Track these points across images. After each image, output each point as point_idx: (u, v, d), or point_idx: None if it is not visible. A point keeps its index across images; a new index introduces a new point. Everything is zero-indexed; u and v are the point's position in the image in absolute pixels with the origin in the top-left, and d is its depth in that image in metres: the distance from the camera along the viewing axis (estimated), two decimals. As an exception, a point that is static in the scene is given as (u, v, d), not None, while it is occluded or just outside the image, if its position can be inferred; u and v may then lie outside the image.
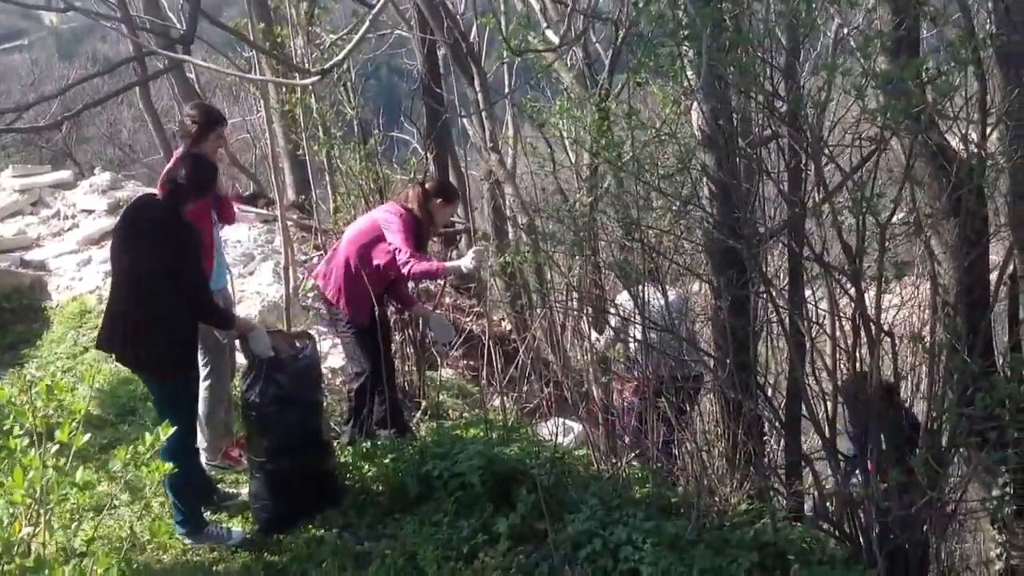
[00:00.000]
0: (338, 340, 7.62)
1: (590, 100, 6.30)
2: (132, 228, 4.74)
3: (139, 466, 2.50)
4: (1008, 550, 5.23)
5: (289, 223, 7.90)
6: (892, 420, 4.29)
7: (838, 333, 4.27)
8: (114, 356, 4.82)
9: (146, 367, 4.73)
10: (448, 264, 5.93)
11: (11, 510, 2.45)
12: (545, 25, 7.92)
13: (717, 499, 4.73)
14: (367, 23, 3.20)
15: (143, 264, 4.61)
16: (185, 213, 4.64)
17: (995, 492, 5.05)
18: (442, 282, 8.34)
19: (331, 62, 3.04)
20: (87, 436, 2.52)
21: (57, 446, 2.47)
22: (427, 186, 5.98)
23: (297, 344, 5.04)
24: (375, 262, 5.77)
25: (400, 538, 4.59)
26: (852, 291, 4.07)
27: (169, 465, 2.54)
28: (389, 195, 7.91)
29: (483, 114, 7.95)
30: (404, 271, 5.63)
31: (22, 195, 11.69)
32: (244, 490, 5.19)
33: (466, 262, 5.70)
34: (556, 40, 6.60)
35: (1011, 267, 4.74)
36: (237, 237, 10.09)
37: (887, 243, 3.93)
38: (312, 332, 5.76)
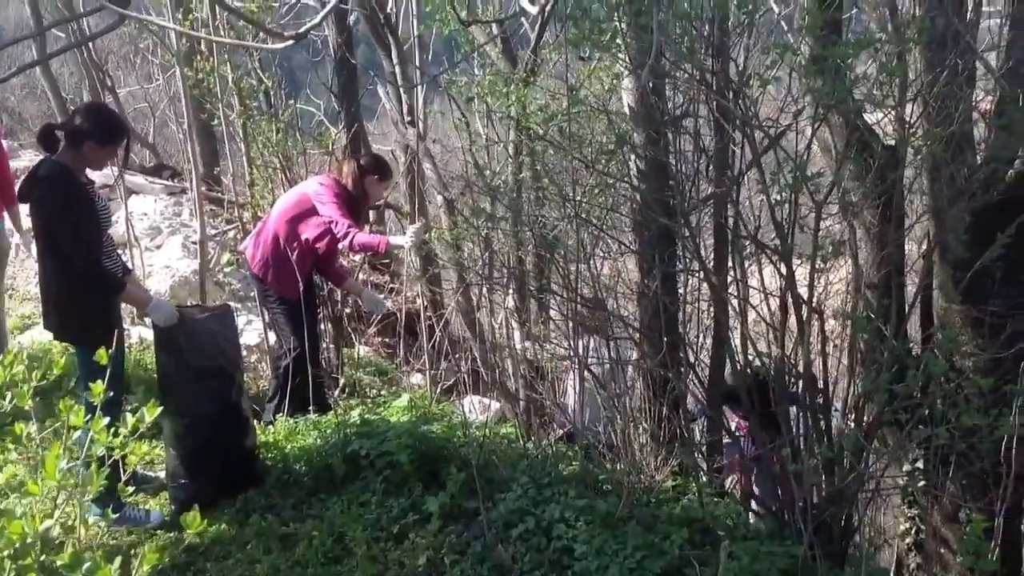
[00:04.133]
0: (254, 317, 7.48)
1: (516, 74, 6.23)
2: (27, 190, 4.55)
3: (117, 447, 2.36)
4: (917, 524, 5.39)
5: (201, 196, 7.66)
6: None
7: (764, 310, 4.33)
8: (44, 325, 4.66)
9: (60, 333, 4.60)
10: (391, 239, 5.82)
11: (25, 502, 2.30)
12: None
13: (643, 476, 4.76)
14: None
15: (36, 228, 4.46)
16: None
17: (907, 468, 5.18)
18: (358, 259, 8.21)
19: (307, 25, 2.92)
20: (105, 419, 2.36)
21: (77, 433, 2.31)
22: (362, 162, 5.87)
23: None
24: (303, 236, 5.65)
25: (327, 518, 4.50)
26: (783, 269, 4.11)
27: (145, 447, 2.41)
28: (306, 168, 7.76)
29: (401, 88, 7.82)
30: (345, 242, 5.51)
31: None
32: (162, 472, 5.03)
33: (408, 239, 5.61)
34: (534, 10, 6.47)
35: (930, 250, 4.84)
36: (143, 210, 9.80)
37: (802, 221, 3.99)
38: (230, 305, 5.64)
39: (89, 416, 2.53)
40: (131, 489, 4.32)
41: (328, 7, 2.84)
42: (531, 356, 6.01)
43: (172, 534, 4.61)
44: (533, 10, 6.54)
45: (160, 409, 2.73)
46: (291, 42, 2.82)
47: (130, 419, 2.41)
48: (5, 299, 6.97)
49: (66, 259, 4.41)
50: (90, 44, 11.88)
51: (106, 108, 4.80)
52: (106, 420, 2.61)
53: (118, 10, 2.46)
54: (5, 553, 2.25)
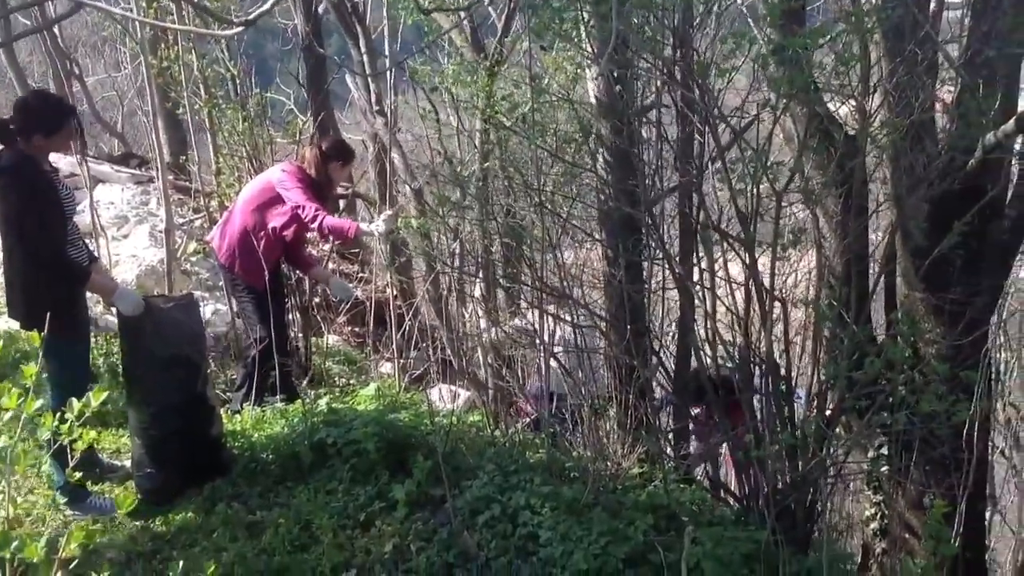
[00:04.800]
0: (222, 306, 7.46)
1: (482, 63, 6.24)
2: None
3: (65, 433, 2.36)
4: (882, 509, 5.46)
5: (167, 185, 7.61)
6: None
7: (727, 298, 4.37)
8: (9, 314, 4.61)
9: (26, 322, 4.54)
10: (362, 225, 5.81)
11: None
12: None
13: (609, 463, 4.79)
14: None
15: (2, 215, 4.44)
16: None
17: (871, 454, 5.25)
18: (328, 247, 8.20)
19: (257, 12, 2.92)
20: (39, 402, 2.36)
21: (8, 414, 2.31)
22: (324, 147, 5.85)
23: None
24: (270, 224, 5.64)
25: (294, 507, 4.50)
26: (745, 257, 4.15)
27: (94, 434, 2.41)
28: (272, 157, 7.73)
29: (368, 77, 7.80)
30: (314, 225, 5.50)
31: None
32: (128, 461, 5.02)
33: (379, 226, 5.61)
34: None
35: (892, 238, 4.90)
36: (110, 199, 9.73)
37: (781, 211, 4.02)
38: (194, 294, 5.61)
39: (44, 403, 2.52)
40: (78, 475, 4.34)
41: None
42: (498, 343, 6.02)
43: (138, 522, 4.60)
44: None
45: (124, 398, 2.72)
46: (240, 29, 2.81)
47: (76, 404, 2.40)
48: None
49: (32, 249, 4.39)
50: (57, 33, 11.78)
51: (37, 98, 4.72)
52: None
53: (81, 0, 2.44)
54: None
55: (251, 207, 5.67)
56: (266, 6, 2.69)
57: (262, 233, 5.63)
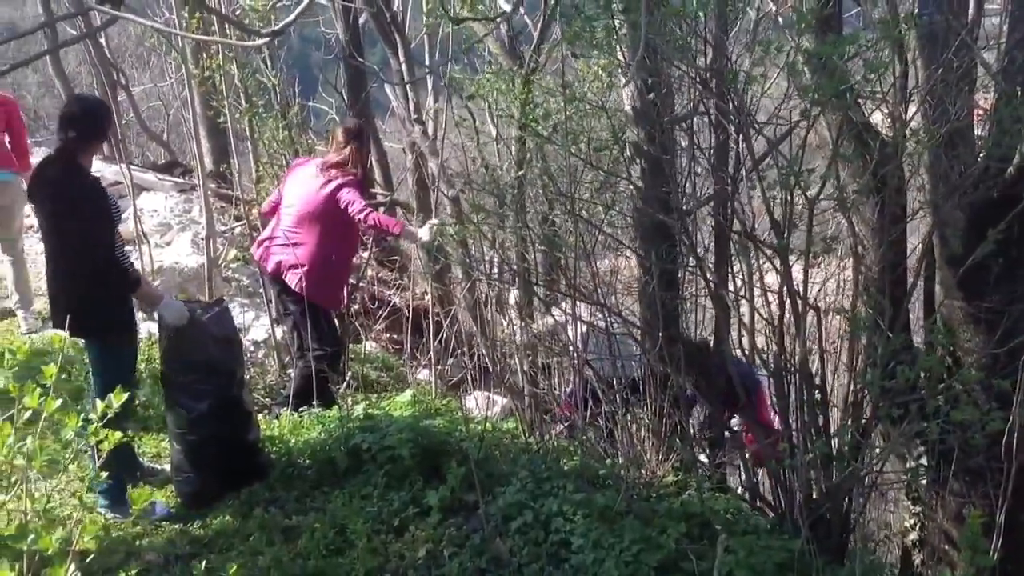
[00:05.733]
0: (262, 313, 7.53)
1: (518, 72, 6.27)
2: (34, 189, 4.63)
3: (90, 435, 2.42)
4: (922, 520, 5.40)
5: (208, 193, 7.73)
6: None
7: (761, 306, 4.35)
8: (55, 325, 4.68)
9: (80, 331, 4.62)
10: (407, 227, 5.88)
11: None
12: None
13: (644, 471, 4.79)
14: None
15: (49, 225, 4.54)
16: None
17: (911, 464, 5.19)
18: (366, 254, 8.27)
19: (283, 23, 2.96)
20: (58, 401, 2.43)
21: (29, 412, 2.38)
22: (347, 129, 6.00)
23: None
24: (344, 244, 5.82)
25: (329, 511, 4.55)
26: (779, 265, 4.13)
27: (119, 434, 2.47)
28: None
29: (407, 85, 7.86)
30: (360, 217, 5.57)
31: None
32: (167, 465, 5.10)
33: (423, 233, 5.67)
34: (508, 7, 6.54)
35: (931, 245, 4.86)
36: (154, 206, 9.88)
37: (814, 219, 4.01)
38: (228, 301, 5.68)
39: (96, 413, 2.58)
40: (104, 475, 4.41)
41: (301, 6, 2.87)
42: (531, 348, 6.04)
43: (177, 526, 4.68)
44: (507, 7, 6.59)
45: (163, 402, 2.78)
46: (267, 40, 2.86)
47: (99, 405, 2.46)
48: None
49: (85, 257, 4.48)
50: (104, 43, 11.98)
51: (80, 105, 4.82)
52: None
53: (107, 11, 2.51)
54: None
55: (329, 223, 5.77)
56: (291, 17, 2.73)
57: (345, 247, 5.78)
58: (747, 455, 4.97)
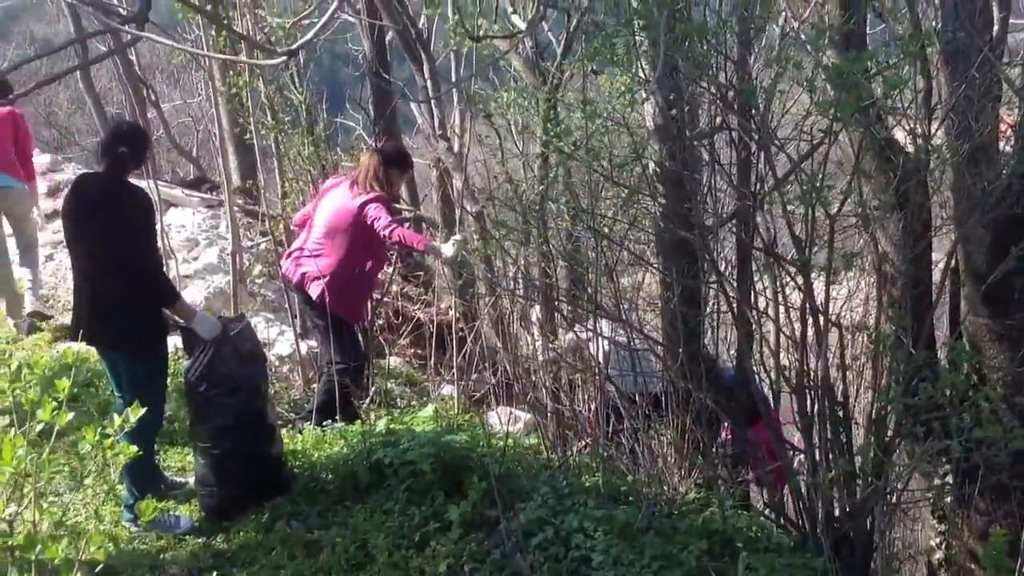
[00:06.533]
0: (286, 327, 7.57)
1: (541, 88, 6.30)
2: (77, 205, 4.69)
3: (106, 448, 2.45)
4: (947, 539, 5.35)
5: (235, 208, 7.80)
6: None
7: (784, 323, 4.34)
8: (85, 339, 4.71)
9: (114, 345, 4.68)
10: (431, 242, 5.91)
11: None
12: (512, 10, 7.91)
13: (666, 488, 4.78)
14: (335, 4, 3.17)
15: (94, 240, 4.59)
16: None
17: (936, 482, 5.16)
18: (391, 269, 8.31)
19: (299, 42, 3.01)
20: (71, 415, 2.47)
21: (41, 425, 2.42)
22: (384, 153, 5.99)
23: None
24: (370, 262, 5.85)
25: (351, 526, 4.57)
26: (801, 282, 4.13)
27: (134, 448, 2.50)
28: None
29: (432, 102, 7.91)
30: (385, 232, 5.61)
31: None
32: (192, 478, 5.13)
33: (447, 249, 5.70)
34: (523, 25, 6.59)
35: (954, 261, 4.84)
36: (181, 222, 9.97)
37: (835, 235, 4.00)
38: (253, 316, 5.73)
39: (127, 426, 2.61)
40: (124, 485, 4.45)
41: (320, 24, 2.92)
42: (553, 364, 6.04)
43: (201, 539, 4.71)
44: (522, 25, 6.64)
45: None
46: (284, 58, 2.90)
47: (116, 419, 2.49)
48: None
49: (131, 272, 4.54)
50: (134, 60, 12.13)
51: (130, 126, 4.97)
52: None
53: (132, 31, 2.55)
54: None
55: (357, 239, 5.81)
56: (306, 37, 2.78)
57: (373, 262, 5.81)
58: (768, 472, 4.94)
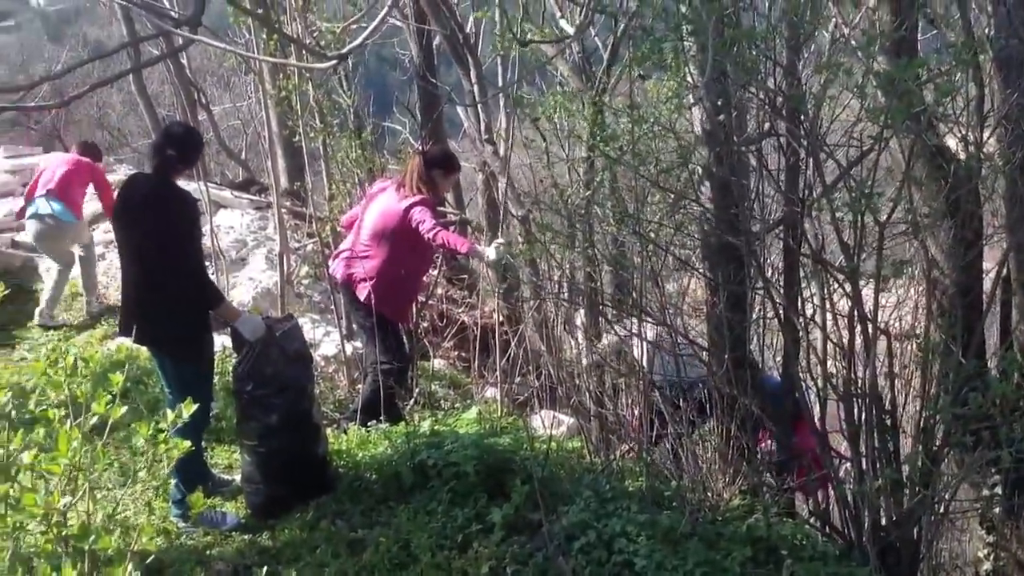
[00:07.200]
0: (332, 328, 7.63)
1: (587, 93, 6.30)
2: (125, 206, 4.76)
3: (159, 443, 2.50)
4: (995, 550, 5.28)
5: (283, 210, 7.89)
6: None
7: (831, 330, 4.31)
8: (133, 339, 4.78)
9: (160, 346, 4.74)
10: (475, 246, 5.94)
11: (53, 481, 2.47)
12: (560, 15, 7.93)
13: (710, 494, 4.76)
14: (385, 10, 3.20)
15: (140, 241, 4.65)
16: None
17: (985, 492, 5.09)
18: (435, 272, 8.35)
19: (349, 46, 3.04)
20: (123, 409, 2.52)
21: (95, 418, 2.47)
22: (427, 155, 6.02)
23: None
24: (413, 263, 5.89)
25: (394, 526, 4.59)
26: (849, 289, 4.10)
27: (188, 443, 2.54)
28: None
29: (478, 106, 7.94)
30: (429, 236, 5.64)
31: (13, 176, 11.65)
32: (238, 476, 5.19)
33: (491, 252, 5.72)
34: (571, 30, 6.60)
35: (1005, 269, 4.77)
36: (230, 223, 10.09)
37: (885, 242, 3.97)
38: (299, 317, 5.78)
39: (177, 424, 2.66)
40: (173, 481, 4.53)
41: (370, 28, 2.94)
42: (595, 367, 6.04)
43: (246, 536, 4.76)
44: (571, 30, 6.64)
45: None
46: (334, 62, 2.93)
47: (170, 415, 2.53)
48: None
49: (177, 273, 4.60)
50: (185, 63, 12.30)
51: (183, 128, 5.06)
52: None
53: (185, 35, 2.60)
54: (30, 525, 2.43)
55: (402, 241, 5.85)
56: (356, 42, 2.81)
57: (420, 264, 5.85)
58: (813, 479, 4.91)
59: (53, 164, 8.38)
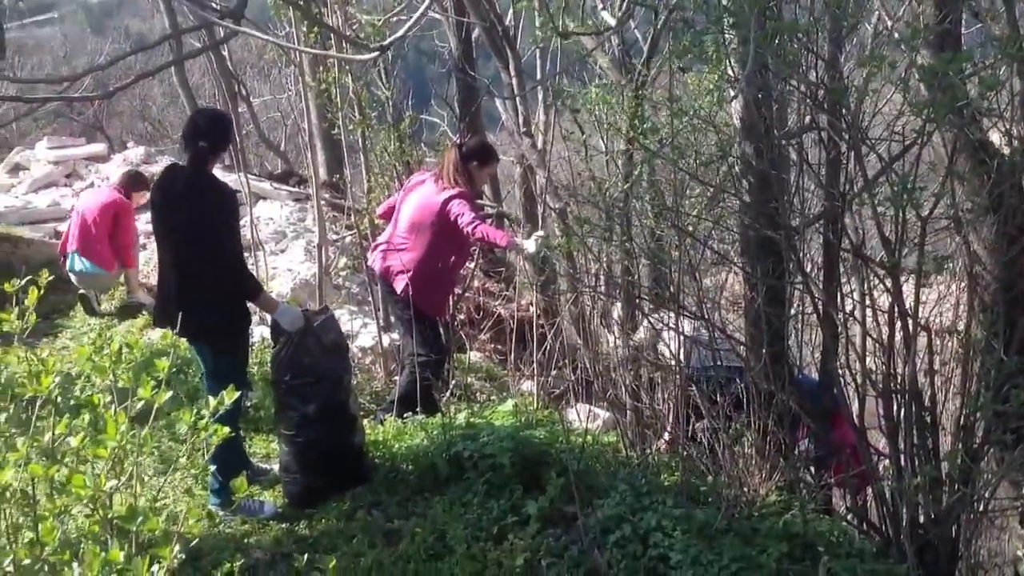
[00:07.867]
0: (370, 320, 7.67)
1: (627, 86, 6.28)
2: (163, 198, 4.80)
3: (200, 430, 2.53)
4: (1035, 549, 5.22)
5: (322, 202, 7.93)
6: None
7: (871, 326, 4.27)
8: (169, 328, 4.81)
9: (197, 337, 4.77)
10: (513, 239, 5.94)
11: (99, 465, 2.51)
12: (601, 6, 7.91)
13: (746, 489, 4.74)
14: (427, 2, 3.21)
15: (176, 232, 4.69)
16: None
17: (1024, 491, 5.04)
18: (472, 264, 8.36)
19: (390, 39, 3.05)
20: (168, 394, 2.56)
21: (141, 403, 2.51)
22: (463, 148, 6.01)
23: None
24: (451, 257, 5.92)
25: (430, 517, 4.61)
26: (889, 284, 4.06)
27: (227, 429, 2.57)
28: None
29: (517, 99, 7.95)
30: (468, 229, 5.65)
31: (56, 166, 11.81)
32: (276, 465, 5.24)
33: (530, 245, 5.72)
34: (613, 21, 6.59)
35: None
36: (269, 215, 10.17)
37: (927, 237, 3.93)
38: (337, 308, 5.81)
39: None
40: (212, 468, 4.58)
41: (411, 21, 2.95)
42: (631, 361, 6.02)
43: (284, 525, 4.81)
44: (612, 21, 6.61)
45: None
46: (376, 55, 2.94)
47: (212, 402, 2.56)
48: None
49: (216, 263, 4.63)
50: (226, 55, 12.40)
51: (210, 116, 5.07)
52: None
53: (228, 26, 2.62)
54: (75, 508, 2.46)
55: (441, 236, 5.87)
56: (398, 34, 2.82)
57: (456, 257, 5.87)
58: (851, 476, 4.87)
59: (81, 210, 8.46)
